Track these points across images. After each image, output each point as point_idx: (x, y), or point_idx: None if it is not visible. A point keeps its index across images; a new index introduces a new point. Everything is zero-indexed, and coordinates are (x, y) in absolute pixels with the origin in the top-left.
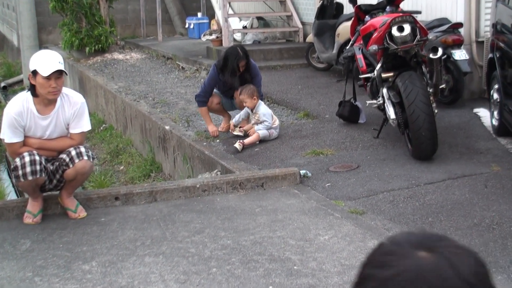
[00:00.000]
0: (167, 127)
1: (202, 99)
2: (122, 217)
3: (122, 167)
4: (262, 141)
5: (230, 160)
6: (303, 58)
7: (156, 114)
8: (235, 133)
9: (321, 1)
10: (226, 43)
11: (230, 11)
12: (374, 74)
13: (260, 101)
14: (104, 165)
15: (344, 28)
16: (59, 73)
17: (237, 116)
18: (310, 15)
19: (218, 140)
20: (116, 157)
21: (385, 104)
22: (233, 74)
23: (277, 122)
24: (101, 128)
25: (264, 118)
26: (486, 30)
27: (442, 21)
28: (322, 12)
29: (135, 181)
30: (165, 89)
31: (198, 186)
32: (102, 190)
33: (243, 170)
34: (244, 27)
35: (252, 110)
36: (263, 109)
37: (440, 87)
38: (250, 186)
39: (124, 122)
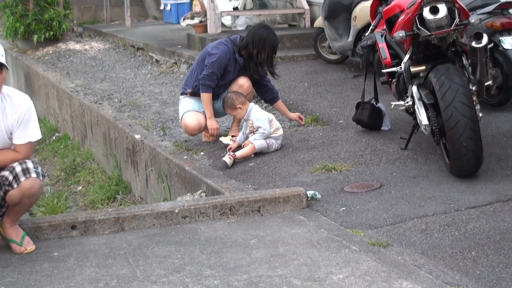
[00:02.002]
0: (137, 137)
1: (209, 82)
2: (80, 251)
3: (80, 188)
4: (258, 153)
5: (217, 178)
6: (310, 47)
7: (123, 120)
8: (225, 141)
9: None
10: (212, 29)
11: None
12: (401, 67)
13: (252, 104)
14: (58, 185)
15: (363, 10)
16: None
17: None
18: None
19: (202, 153)
20: (72, 175)
21: (415, 106)
22: (270, 60)
23: (280, 131)
24: (53, 137)
25: (258, 124)
26: None
27: None
28: None
29: (96, 205)
30: (135, 87)
31: (177, 211)
32: (55, 217)
33: (234, 191)
34: (235, 9)
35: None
36: (255, 112)
37: (486, 84)
38: (243, 211)
39: (83, 130)
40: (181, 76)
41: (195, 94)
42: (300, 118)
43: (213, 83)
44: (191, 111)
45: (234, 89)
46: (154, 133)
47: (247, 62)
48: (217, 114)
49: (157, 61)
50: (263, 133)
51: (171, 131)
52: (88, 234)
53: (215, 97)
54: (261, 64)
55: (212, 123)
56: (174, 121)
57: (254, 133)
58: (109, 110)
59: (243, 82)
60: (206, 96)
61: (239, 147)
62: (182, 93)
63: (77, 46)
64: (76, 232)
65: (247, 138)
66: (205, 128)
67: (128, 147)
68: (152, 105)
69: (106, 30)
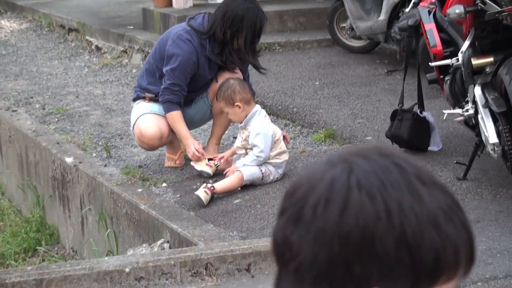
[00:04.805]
0: (69, 160)
1: (169, 97)
2: None
3: None
4: (248, 185)
5: (187, 221)
6: (324, 29)
7: (48, 135)
8: (198, 168)
9: None
10: (180, 2)
11: None
12: (457, 59)
13: (258, 107)
14: None
15: None
16: None
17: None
18: None
19: (165, 184)
20: None
21: (479, 117)
22: (250, 47)
23: (284, 156)
24: None
25: (255, 141)
26: None
27: None
28: None
29: (8, 262)
30: (66, 87)
31: (127, 270)
32: None
33: (212, 241)
34: None
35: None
36: (257, 123)
37: None
38: (225, 270)
39: None
40: (134, 71)
41: (156, 100)
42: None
43: (177, 96)
44: (149, 114)
45: (213, 90)
46: (94, 154)
47: (221, 53)
48: (190, 124)
49: (98, 48)
50: (258, 157)
51: (119, 151)
52: None
53: (186, 103)
54: (237, 53)
55: (190, 144)
56: (123, 136)
57: (246, 151)
58: (27, 121)
59: (228, 74)
60: (172, 116)
61: (221, 174)
62: (137, 98)
63: None
64: None
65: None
66: (168, 139)
67: (55, 176)
68: (90, 113)
69: (22, 2)
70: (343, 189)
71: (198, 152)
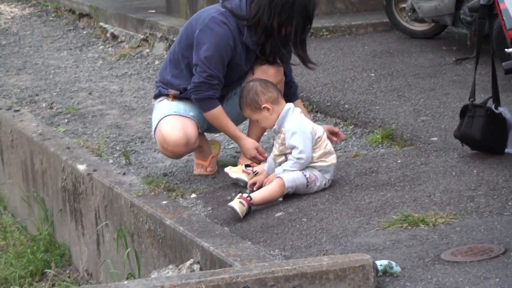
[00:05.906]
0: (81, 168)
1: (208, 93)
2: None
3: None
4: (291, 195)
5: (221, 238)
6: (380, 11)
7: (57, 139)
8: (233, 175)
9: None
10: None
11: None
12: None
13: (289, 105)
14: None
15: None
16: None
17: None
18: None
19: (194, 195)
20: None
21: None
22: (301, 38)
23: (331, 158)
24: None
25: (293, 142)
26: None
27: None
28: None
29: (11, 286)
30: (77, 83)
31: None
32: None
33: (250, 261)
34: None
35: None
36: (290, 123)
37: None
38: None
39: None
40: (156, 62)
41: (181, 98)
42: (333, 133)
43: (217, 91)
44: (172, 115)
45: (255, 76)
46: (111, 161)
47: (264, 43)
48: (236, 118)
49: (114, 36)
50: (298, 159)
51: (140, 157)
52: None
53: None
54: (284, 44)
55: (247, 144)
56: (144, 140)
57: (285, 157)
58: (33, 122)
59: (267, 67)
60: (215, 114)
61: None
62: (159, 95)
63: None
64: None
65: (279, 165)
66: (195, 145)
67: (66, 186)
68: (106, 112)
69: None
70: None
71: (259, 151)
